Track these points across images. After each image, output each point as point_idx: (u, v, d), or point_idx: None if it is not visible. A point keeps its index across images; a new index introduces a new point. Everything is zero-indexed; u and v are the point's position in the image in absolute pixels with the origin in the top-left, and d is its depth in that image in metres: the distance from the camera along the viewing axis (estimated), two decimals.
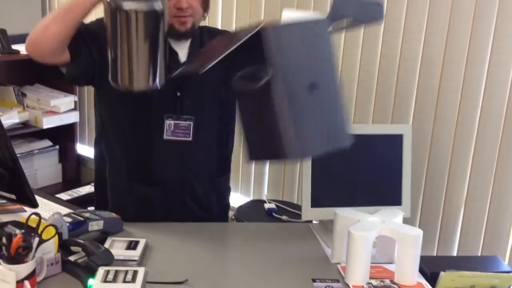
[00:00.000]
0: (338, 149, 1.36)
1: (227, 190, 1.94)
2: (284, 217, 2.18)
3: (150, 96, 1.59)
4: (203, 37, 1.76)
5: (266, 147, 1.31)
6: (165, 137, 1.70)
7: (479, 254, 2.04)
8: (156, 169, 1.75)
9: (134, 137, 1.74)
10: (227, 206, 1.95)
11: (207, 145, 1.79)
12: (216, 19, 2.67)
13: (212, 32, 1.83)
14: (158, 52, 1.43)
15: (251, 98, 1.29)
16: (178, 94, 1.71)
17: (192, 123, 1.72)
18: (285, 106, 1.23)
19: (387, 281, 1.44)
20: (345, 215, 1.53)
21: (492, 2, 1.92)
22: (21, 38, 3.30)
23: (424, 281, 1.45)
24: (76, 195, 3.23)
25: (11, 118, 3.12)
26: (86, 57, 1.64)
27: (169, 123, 1.70)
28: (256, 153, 1.33)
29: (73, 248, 1.42)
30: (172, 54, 1.66)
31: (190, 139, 1.72)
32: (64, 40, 1.56)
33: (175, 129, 1.71)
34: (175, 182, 1.76)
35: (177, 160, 1.75)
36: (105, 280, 1.29)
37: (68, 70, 1.68)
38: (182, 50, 1.72)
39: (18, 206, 1.65)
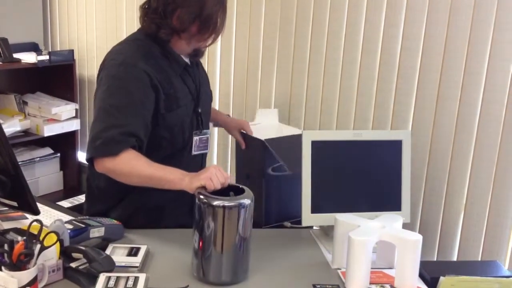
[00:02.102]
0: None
1: None
2: (285, 223, 2.18)
3: (183, 119, 1.74)
4: None
5: None
6: (193, 152, 1.81)
7: (479, 259, 2.04)
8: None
9: (170, 154, 1.75)
10: None
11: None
12: None
13: None
14: None
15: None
16: (199, 110, 1.81)
17: (208, 136, 1.86)
18: None
19: (387, 286, 1.45)
20: (345, 220, 1.54)
21: (490, 8, 1.93)
22: (22, 47, 3.33)
23: (424, 286, 1.46)
24: (77, 203, 3.23)
25: (13, 126, 3.14)
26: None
27: (195, 139, 1.80)
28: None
29: (74, 255, 1.42)
30: (189, 70, 1.80)
31: (207, 150, 1.88)
32: None
33: (199, 143, 1.82)
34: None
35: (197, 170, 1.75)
36: (106, 287, 1.30)
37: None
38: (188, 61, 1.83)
39: (19, 213, 1.66)
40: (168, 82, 1.70)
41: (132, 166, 1.58)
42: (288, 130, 2.30)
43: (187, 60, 1.80)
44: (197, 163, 1.85)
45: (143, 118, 1.64)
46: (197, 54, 1.82)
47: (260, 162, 2.09)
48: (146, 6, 1.72)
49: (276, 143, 2.06)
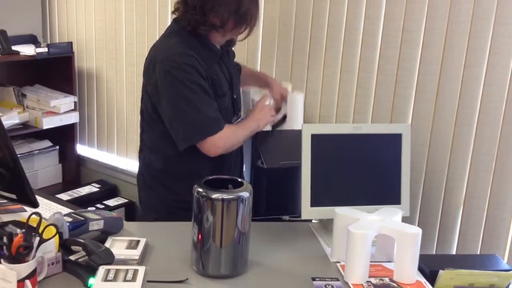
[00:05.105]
0: None
1: None
2: (284, 217, 2.18)
3: (227, 101, 1.90)
4: None
5: None
6: None
7: (478, 253, 2.05)
8: (227, 166, 1.94)
9: None
10: None
11: None
12: None
13: None
14: None
15: None
16: (235, 96, 1.96)
17: (242, 118, 1.99)
18: None
19: (387, 280, 1.45)
20: (344, 214, 1.54)
21: (491, 2, 1.92)
22: (21, 39, 3.32)
23: (423, 280, 1.46)
24: (76, 195, 3.24)
25: (11, 119, 3.13)
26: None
27: (235, 123, 1.94)
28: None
29: (73, 248, 1.42)
30: (223, 58, 1.92)
31: None
32: None
33: None
34: (236, 171, 2.02)
35: (238, 155, 2.02)
36: (105, 279, 1.30)
37: None
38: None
39: (18, 206, 1.66)
40: (211, 68, 1.81)
41: (236, 133, 1.85)
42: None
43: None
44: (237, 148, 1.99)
45: (214, 101, 1.80)
46: (230, 43, 1.94)
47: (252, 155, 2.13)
48: (184, 3, 1.79)
49: (264, 137, 2.06)
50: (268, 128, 2.04)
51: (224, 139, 1.79)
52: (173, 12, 1.88)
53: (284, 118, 2.08)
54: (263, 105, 1.95)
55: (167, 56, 1.76)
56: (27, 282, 1.24)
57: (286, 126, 2.09)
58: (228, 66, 1.94)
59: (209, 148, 1.79)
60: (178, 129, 1.79)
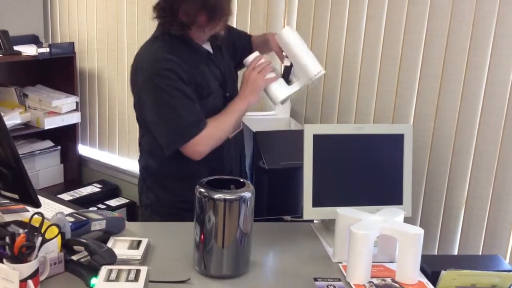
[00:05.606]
0: None
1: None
2: (286, 217, 2.19)
3: (215, 105, 1.85)
4: None
5: None
6: (230, 136, 1.90)
7: (480, 253, 2.04)
8: (226, 167, 1.94)
9: None
10: None
11: (242, 137, 2.07)
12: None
13: None
14: None
15: None
16: (228, 94, 1.91)
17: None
18: None
19: (389, 280, 1.45)
20: (346, 214, 1.54)
21: (492, 3, 1.92)
22: (22, 39, 3.32)
23: (425, 280, 1.46)
24: (77, 196, 3.24)
25: (13, 119, 3.13)
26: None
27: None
28: None
29: (76, 248, 1.42)
30: (211, 57, 1.89)
31: (241, 127, 2.00)
32: None
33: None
34: (236, 172, 2.00)
35: (237, 154, 2.01)
36: (107, 279, 1.30)
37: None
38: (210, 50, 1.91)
39: (21, 206, 1.66)
40: (196, 70, 1.79)
41: (218, 126, 1.80)
42: (297, 126, 2.31)
43: (208, 47, 1.87)
44: (235, 146, 1.98)
45: (197, 102, 1.78)
46: (216, 38, 1.89)
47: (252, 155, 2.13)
48: (157, 7, 1.80)
49: (267, 137, 2.06)
50: (279, 85, 1.85)
51: (205, 140, 1.77)
52: (153, 18, 1.86)
53: (291, 66, 1.89)
54: (249, 73, 1.84)
55: (147, 63, 1.77)
56: (29, 282, 1.24)
57: (297, 69, 1.87)
58: (220, 64, 1.91)
59: (191, 153, 1.79)
60: (161, 135, 1.80)
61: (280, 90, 1.86)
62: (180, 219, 1.75)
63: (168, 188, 1.92)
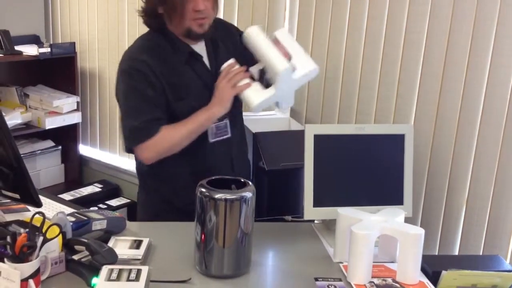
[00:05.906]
0: None
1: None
2: (287, 217, 2.19)
3: (193, 107, 1.77)
4: (213, 30, 1.83)
5: None
6: (210, 140, 1.84)
7: (481, 253, 2.05)
8: (212, 168, 1.79)
9: (189, 145, 1.79)
10: None
11: (241, 138, 2.00)
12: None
13: (221, 22, 1.97)
14: None
15: None
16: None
17: (227, 122, 1.86)
18: None
19: (389, 280, 1.45)
20: (347, 214, 1.54)
21: (493, 3, 1.92)
22: (23, 39, 3.33)
23: (426, 280, 1.46)
24: (78, 195, 3.24)
25: (14, 119, 3.13)
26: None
27: (211, 126, 1.82)
28: None
29: (77, 247, 1.42)
30: (198, 58, 1.82)
31: (229, 135, 1.88)
32: None
33: (216, 130, 1.85)
34: (227, 171, 1.87)
35: (227, 156, 1.91)
36: (108, 279, 1.30)
37: None
38: (202, 51, 1.84)
39: (22, 206, 1.66)
40: (172, 70, 1.76)
41: (171, 135, 1.74)
42: (297, 126, 2.31)
43: (199, 48, 1.82)
44: (224, 148, 1.88)
45: (159, 107, 1.75)
46: (189, 34, 1.76)
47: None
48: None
49: (267, 137, 2.05)
50: (254, 90, 1.75)
51: (152, 147, 1.74)
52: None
53: (263, 68, 1.78)
54: (219, 82, 1.75)
55: (123, 59, 1.80)
56: (31, 281, 1.24)
57: (269, 70, 1.76)
58: (212, 63, 1.83)
59: (139, 157, 1.80)
60: (122, 133, 1.83)
61: (254, 95, 1.75)
62: (162, 219, 1.77)
63: (154, 189, 1.92)
